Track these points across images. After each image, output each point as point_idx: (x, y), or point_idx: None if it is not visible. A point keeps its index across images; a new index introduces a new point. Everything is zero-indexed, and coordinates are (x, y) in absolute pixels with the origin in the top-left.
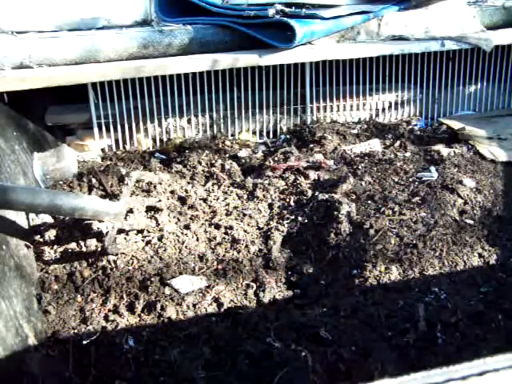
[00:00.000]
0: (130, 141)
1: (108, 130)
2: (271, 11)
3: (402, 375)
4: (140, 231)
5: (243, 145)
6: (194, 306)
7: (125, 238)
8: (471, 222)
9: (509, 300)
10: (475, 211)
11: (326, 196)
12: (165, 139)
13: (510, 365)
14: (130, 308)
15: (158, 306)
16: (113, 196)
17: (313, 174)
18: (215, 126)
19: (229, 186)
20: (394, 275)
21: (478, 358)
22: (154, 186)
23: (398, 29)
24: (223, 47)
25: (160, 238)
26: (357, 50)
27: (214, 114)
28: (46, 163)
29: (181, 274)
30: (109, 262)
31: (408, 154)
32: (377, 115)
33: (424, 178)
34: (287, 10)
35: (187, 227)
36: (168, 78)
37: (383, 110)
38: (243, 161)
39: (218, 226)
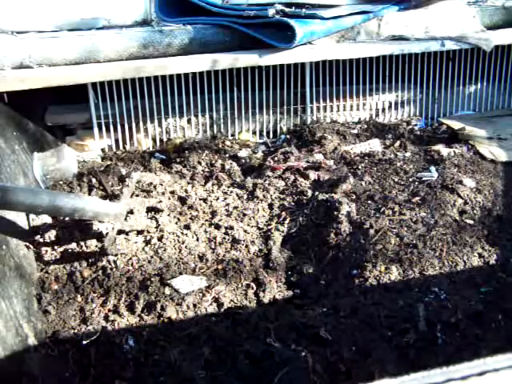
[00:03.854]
0: (129, 141)
1: (108, 129)
2: (271, 11)
3: (402, 375)
4: (140, 232)
5: (243, 145)
6: (194, 306)
7: (125, 239)
8: (471, 221)
9: (509, 300)
10: (475, 211)
11: (326, 196)
12: (165, 139)
13: (509, 365)
14: (130, 308)
15: (158, 306)
16: (113, 196)
17: (313, 174)
18: (215, 126)
19: (229, 186)
20: (394, 275)
21: (478, 358)
22: (155, 187)
23: (398, 29)
24: (223, 47)
25: (160, 238)
26: (357, 49)
27: (214, 114)
28: (46, 163)
29: (181, 274)
30: (109, 262)
31: (408, 154)
32: (377, 115)
33: (424, 178)
34: (287, 10)
35: (187, 227)
36: (168, 78)
37: (383, 110)
38: (243, 161)
39: (218, 226)
